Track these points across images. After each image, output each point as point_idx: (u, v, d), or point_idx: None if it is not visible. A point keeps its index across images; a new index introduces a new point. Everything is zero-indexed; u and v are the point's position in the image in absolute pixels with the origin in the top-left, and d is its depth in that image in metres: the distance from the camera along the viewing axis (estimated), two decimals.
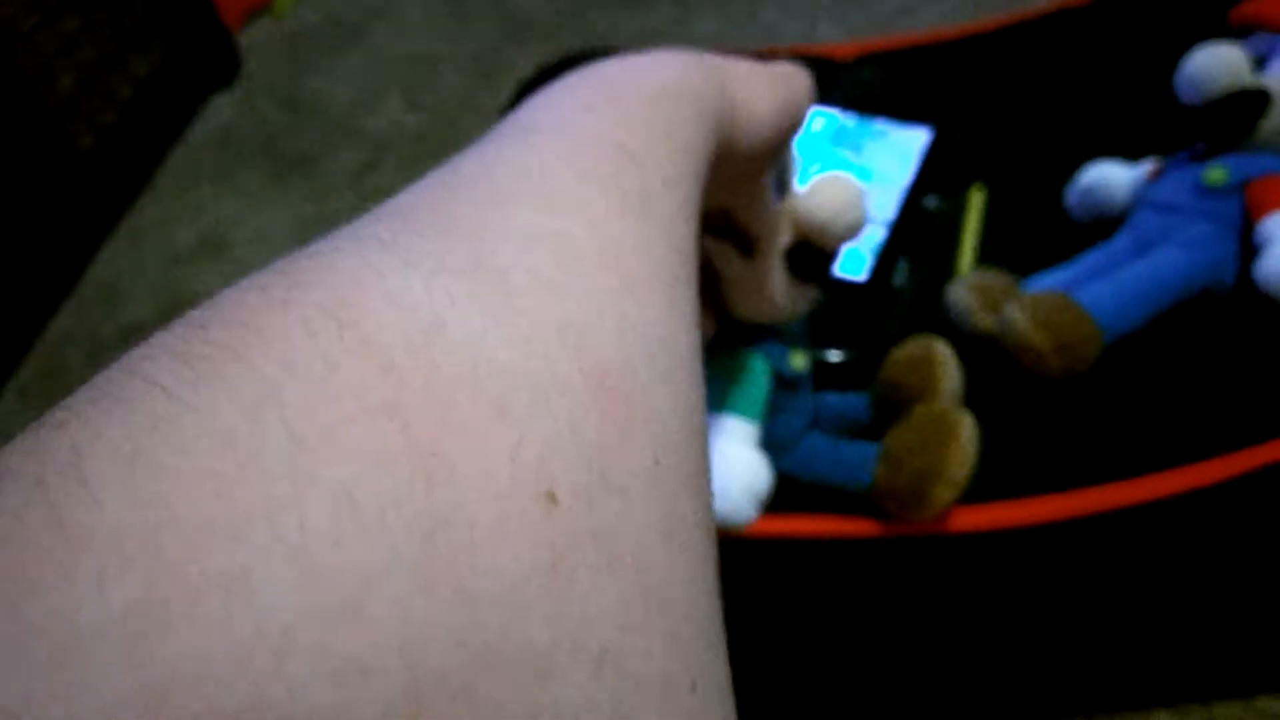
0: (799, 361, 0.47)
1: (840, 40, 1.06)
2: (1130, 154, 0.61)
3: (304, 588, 0.12)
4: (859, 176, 0.65)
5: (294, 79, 1.46)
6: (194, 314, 0.16)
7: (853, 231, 0.41)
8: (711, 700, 0.16)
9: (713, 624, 0.18)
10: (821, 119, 0.70)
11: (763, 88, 0.29)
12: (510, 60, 1.40)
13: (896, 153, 0.65)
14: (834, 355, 0.55)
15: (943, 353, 0.48)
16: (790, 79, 0.31)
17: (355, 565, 0.13)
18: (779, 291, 0.41)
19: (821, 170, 0.64)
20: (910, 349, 0.49)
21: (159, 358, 0.15)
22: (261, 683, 0.12)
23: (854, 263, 0.58)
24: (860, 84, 0.75)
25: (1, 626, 0.12)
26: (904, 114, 0.69)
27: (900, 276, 0.58)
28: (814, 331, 0.53)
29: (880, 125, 0.68)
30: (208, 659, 0.12)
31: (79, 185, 1.25)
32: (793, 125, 0.31)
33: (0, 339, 1.12)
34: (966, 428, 0.44)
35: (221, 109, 1.44)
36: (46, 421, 0.14)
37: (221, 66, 1.50)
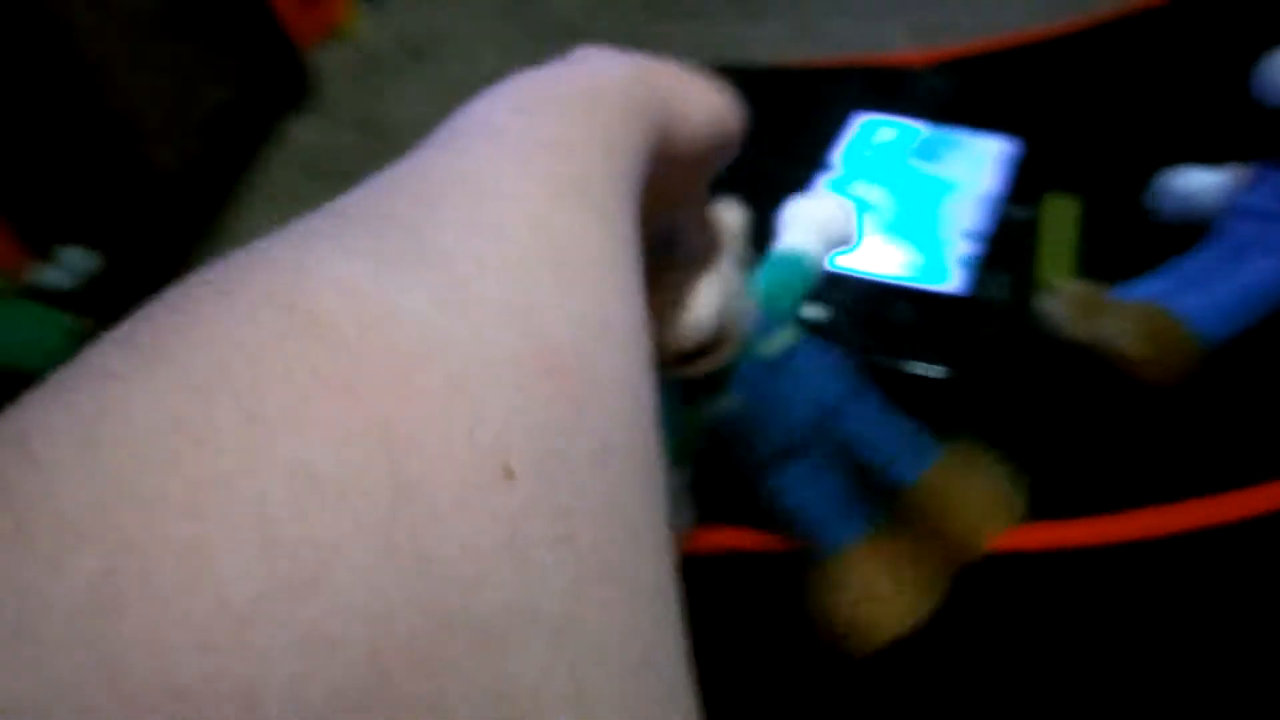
0: (724, 404, 0.46)
1: (909, 45, 1.07)
2: (1210, 158, 0.60)
3: (264, 559, 0.12)
4: (938, 189, 0.66)
5: (365, 101, 1.49)
6: (141, 310, 0.16)
7: (734, 356, 0.37)
8: (667, 680, 0.17)
9: (666, 608, 0.18)
10: (894, 130, 0.70)
11: (695, 91, 0.29)
12: None
13: (976, 162, 0.65)
14: (933, 371, 0.55)
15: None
16: (720, 90, 0.30)
17: (317, 536, 0.13)
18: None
19: (899, 186, 0.65)
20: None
21: (107, 349, 0.15)
22: (224, 655, 0.12)
23: (942, 275, 0.58)
24: (935, 92, 0.75)
25: None
26: (981, 122, 0.69)
27: (991, 288, 0.58)
28: (911, 346, 0.53)
29: (958, 135, 0.68)
30: (168, 632, 0.12)
31: (164, 208, 1.30)
32: (724, 138, 0.30)
33: None
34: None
35: (297, 131, 1.48)
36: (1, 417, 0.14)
37: (294, 89, 1.54)
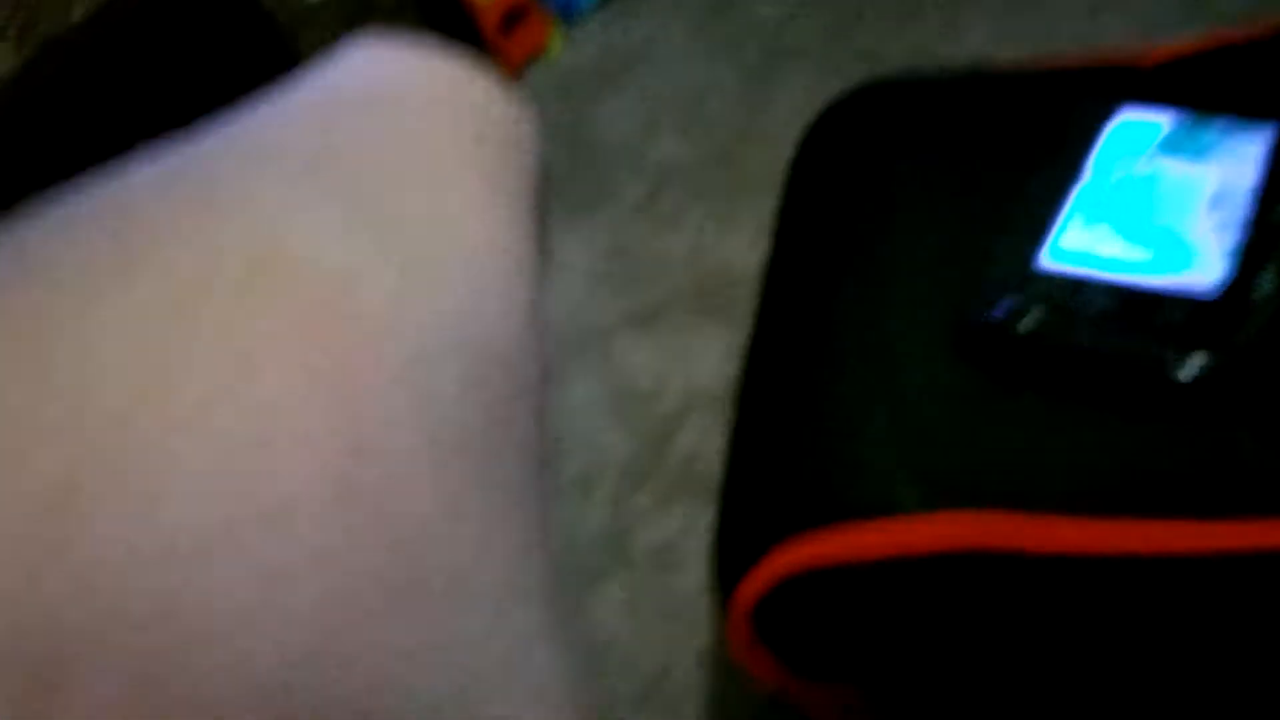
0: None
1: (1124, 37, 1.04)
2: None
3: (233, 489, 0.12)
4: (1194, 184, 0.64)
5: (572, 119, 1.56)
6: (93, 209, 0.16)
7: None
8: (576, 631, 0.18)
9: (544, 550, 0.18)
10: (1145, 128, 0.68)
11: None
12: (777, 82, 1.44)
13: (1236, 156, 0.64)
14: (1184, 368, 0.54)
15: None
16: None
17: (282, 474, 0.13)
18: None
19: (1153, 185, 0.63)
20: None
21: (65, 246, 0.15)
22: (187, 579, 0.12)
23: (1207, 269, 0.58)
24: (1180, 85, 0.73)
25: None
26: (1235, 111, 0.67)
27: (1256, 283, 0.57)
28: (1175, 346, 0.53)
29: (1212, 128, 0.67)
30: (133, 548, 0.11)
31: None
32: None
33: None
34: None
35: None
36: None
37: None
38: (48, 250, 0.14)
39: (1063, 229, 0.62)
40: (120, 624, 0.11)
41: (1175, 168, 0.65)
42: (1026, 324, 0.57)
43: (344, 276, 0.16)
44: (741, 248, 1.07)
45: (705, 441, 0.71)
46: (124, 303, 0.13)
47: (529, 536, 0.18)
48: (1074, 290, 0.58)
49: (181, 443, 0.12)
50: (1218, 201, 0.62)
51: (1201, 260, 0.59)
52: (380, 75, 0.24)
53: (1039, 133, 0.70)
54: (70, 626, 0.10)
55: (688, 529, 0.64)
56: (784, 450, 0.57)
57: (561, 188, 1.42)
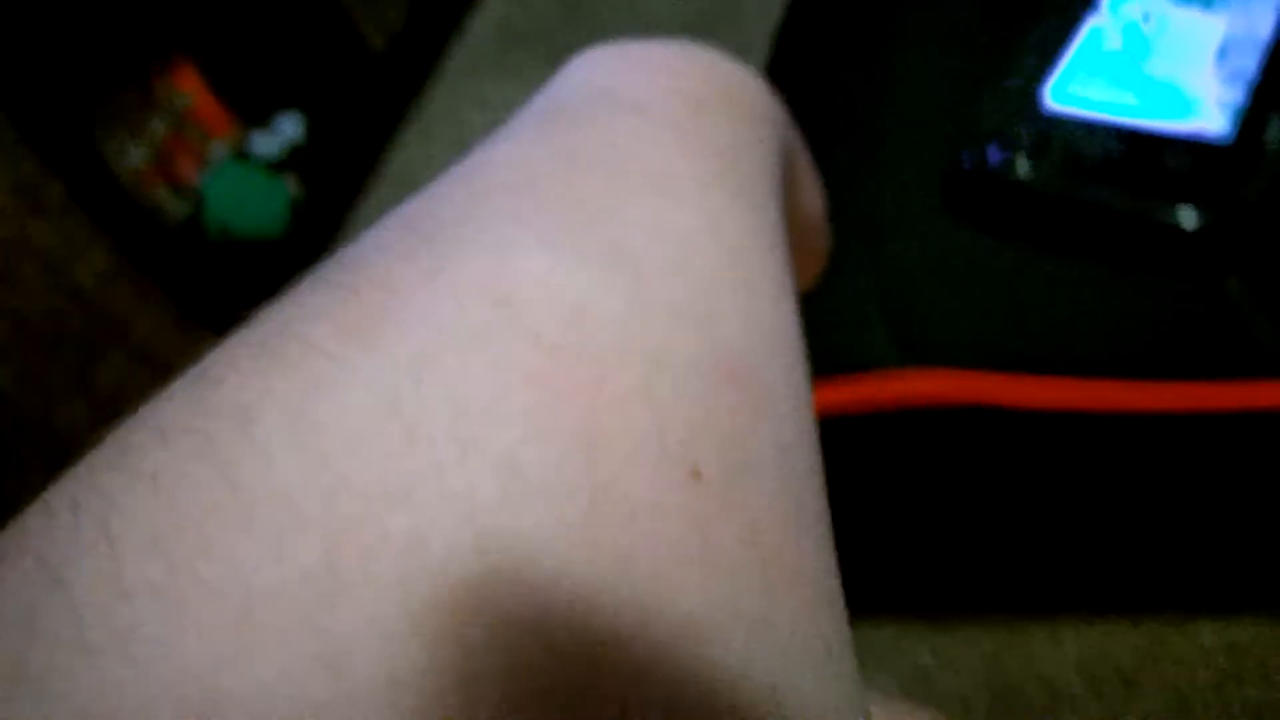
0: None
1: None
2: None
3: (477, 552, 0.12)
4: (1206, 31, 0.61)
5: None
6: (336, 275, 0.16)
7: None
8: (846, 664, 0.17)
9: (838, 597, 0.18)
10: None
11: (806, 161, 0.29)
12: None
13: (1253, 2, 0.60)
14: (1188, 218, 0.52)
15: None
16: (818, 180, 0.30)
17: (525, 531, 0.13)
18: None
19: (1164, 27, 0.60)
20: None
21: (312, 318, 0.15)
22: (440, 646, 0.12)
23: (1213, 119, 0.55)
24: None
25: (178, 584, 0.11)
26: None
27: (1261, 134, 0.54)
28: (1174, 194, 0.51)
29: None
30: (387, 623, 0.12)
31: (374, 84, 1.34)
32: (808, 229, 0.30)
33: (312, 227, 1.23)
34: None
35: (495, 3, 1.49)
36: (201, 376, 0.14)
37: None
38: (303, 327, 0.15)
39: (1064, 75, 0.59)
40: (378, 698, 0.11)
41: (1184, 15, 0.62)
42: (1021, 168, 0.54)
43: (573, 310, 0.16)
44: None
45: None
46: (369, 367, 0.14)
47: (800, 565, 0.17)
48: (1072, 135, 0.56)
49: (427, 511, 0.12)
50: (1231, 48, 0.58)
51: (1207, 110, 0.56)
52: (608, 81, 0.24)
53: None
54: (328, 712, 0.11)
55: None
56: None
57: (548, 39, 1.37)
